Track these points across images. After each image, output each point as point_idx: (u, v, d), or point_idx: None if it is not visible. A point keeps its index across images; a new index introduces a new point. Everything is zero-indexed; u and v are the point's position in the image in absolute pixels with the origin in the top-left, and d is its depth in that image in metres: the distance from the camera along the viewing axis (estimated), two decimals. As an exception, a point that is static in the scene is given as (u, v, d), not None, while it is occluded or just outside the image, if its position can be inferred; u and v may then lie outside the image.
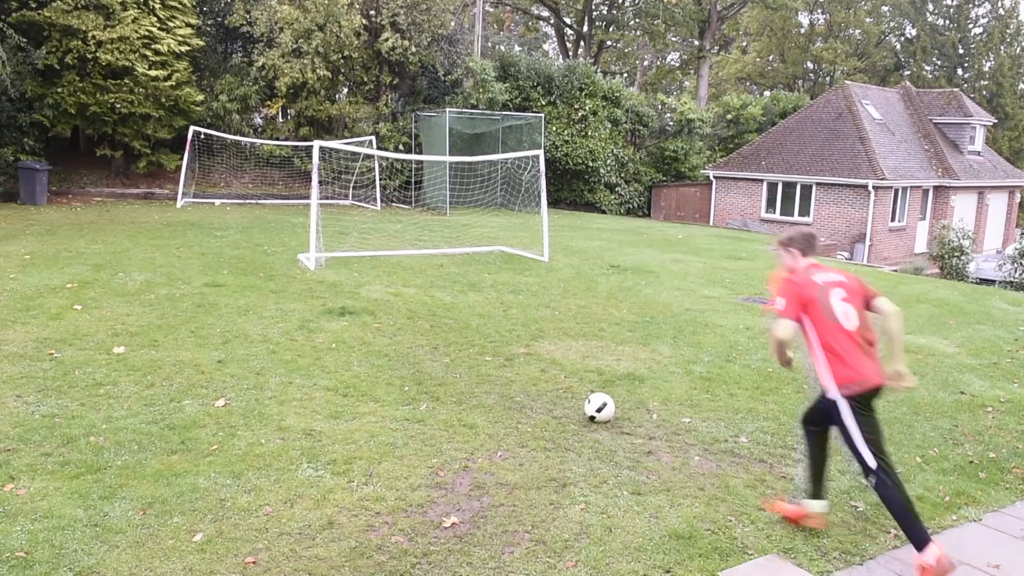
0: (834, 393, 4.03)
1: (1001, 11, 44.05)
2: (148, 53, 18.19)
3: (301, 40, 20.49)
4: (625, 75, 48.97)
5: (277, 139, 22.64)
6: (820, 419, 4.30)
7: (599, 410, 5.71)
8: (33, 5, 17.38)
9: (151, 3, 18.33)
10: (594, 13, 40.95)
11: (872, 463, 3.94)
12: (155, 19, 18.43)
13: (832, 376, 4.03)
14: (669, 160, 28.10)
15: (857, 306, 4.13)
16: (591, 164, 24.79)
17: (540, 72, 24.92)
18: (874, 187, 22.86)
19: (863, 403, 4.01)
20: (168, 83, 18.61)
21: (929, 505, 4.72)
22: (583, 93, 25.25)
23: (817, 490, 4.37)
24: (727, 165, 26.91)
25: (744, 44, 51.89)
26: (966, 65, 44.79)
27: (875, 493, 4.06)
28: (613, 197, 26.06)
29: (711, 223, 26.69)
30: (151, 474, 4.56)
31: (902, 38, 47.83)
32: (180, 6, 19.08)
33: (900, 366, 4.18)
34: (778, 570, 3.91)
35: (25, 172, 16.84)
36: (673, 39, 43.17)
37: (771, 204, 25.56)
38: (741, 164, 26.45)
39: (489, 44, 40.36)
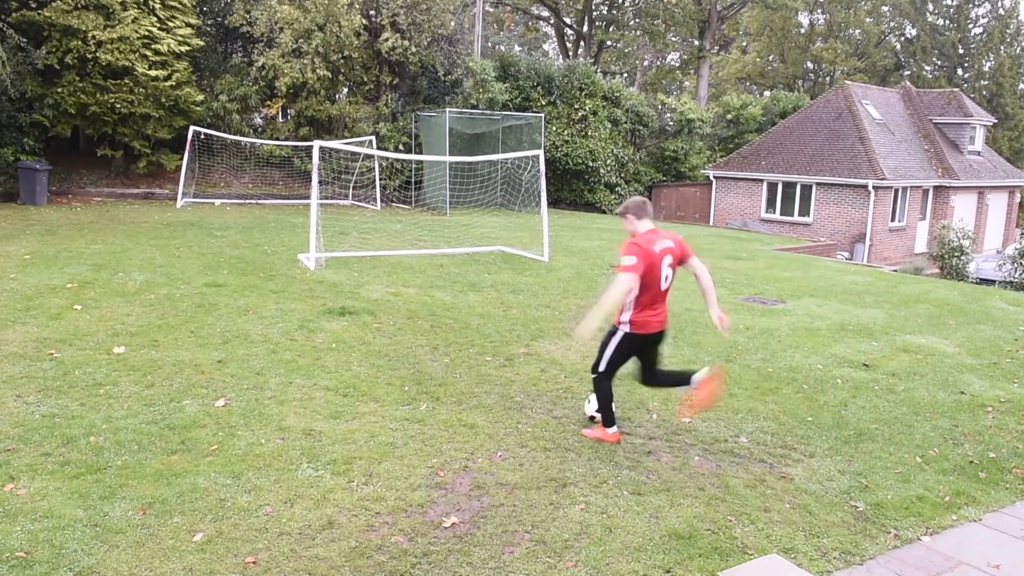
0: (624, 326, 5.17)
1: (1001, 11, 44.07)
2: (148, 53, 18.18)
3: (301, 40, 20.49)
4: (625, 75, 48.99)
5: (277, 139, 22.65)
6: (630, 354, 5.34)
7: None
8: (33, 5, 17.38)
9: (151, 3, 18.33)
10: (594, 13, 40.96)
11: (602, 368, 5.28)
12: (155, 19, 18.42)
13: (631, 318, 5.12)
14: (669, 160, 28.11)
15: (674, 268, 5.17)
16: (591, 164, 24.79)
17: (540, 72, 24.91)
18: (874, 187, 22.86)
19: (636, 342, 5.19)
20: (168, 83, 18.61)
21: (929, 505, 4.72)
22: (583, 93, 25.25)
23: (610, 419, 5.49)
24: (727, 165, 26.92)
25: (744, 44, 51.90)
26: (966, 65, 44.80)
27: (594, 384, 5.41)
28: (613, 197, 26.06)
29: (711, 223, 26.70)
30: (151, 474, 4.56)
31: (902, 38, 47.84)
32: (180, 6, 19.08)
33: (716, 312, 5.27)
34: (778, 570, 3.91)
35: (25, 172, 16.85)
36: (673, 39, 43.18)
37: (771, 204, 25.56)
38: (741, 164, 26.45)
39: (489, 44, 40.36)
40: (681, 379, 5.33)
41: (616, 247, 15.38)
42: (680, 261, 5.21)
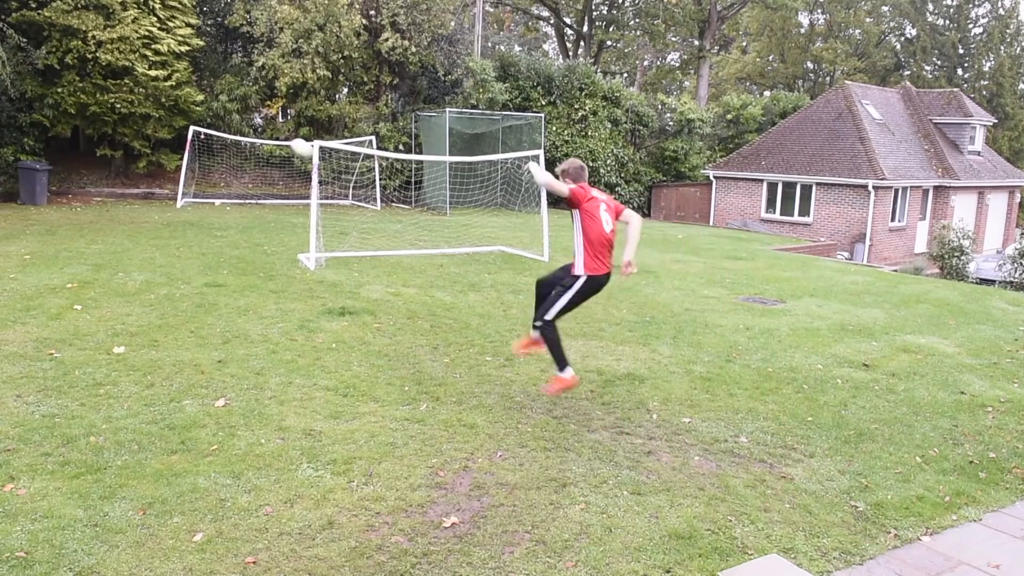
0: (580, 271, 5.63)
1: (1001, 11, 44.07)
2: (148, 53, 18.19)
3: (301, 40, 20.49)
4: (625, 75, 49.00)
5: (277, 139, 22.65)
6: (553, 283, 5.84)
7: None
8: (33, 5, 17.38)
9: (151, 3, 18.33)
10: (594, 13, 40.96)
11: (550, 318, 5.66)
12: (155, 19, 18.43)
13: (584, 262, 5.63)
14: (669, 160, 28.10)
15: (612, 217, 5.76)
16: (591, 164, 24.78)
17: (540, 72, 24.91)
18: (874, 187, 22.87)
19: (593, 284, 5.66)
20: (168, 83, 18.62)
21: (929, 505, 4.72)
22: (583, 93, 25.24)
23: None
24: (727, 165, 26.92)
25: (744, 44, 51.91)
26: (966, 65, 44.80)
27: (540, 332, 5.71)
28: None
29: (711, 223, 26.69)
30: (151, 474, 4.56)
31: (902, 38, 47.84)
32: (180, 6, 19.08)
33: (630, 256, 5.73)
34: (778, 570, 3.91)
35: (25, 172, 16.85)
36: (673, 39, 43.19)
37: (771, 204, 25.56)
38: (741, 164, 26.45)
39: (489, 44, 40.37)
40: (558, 357, 5.70)
41: (616, 248, 15.38)
42: (616, 215, 5.82)
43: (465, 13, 29.16)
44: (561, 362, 5.71)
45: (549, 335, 5.69)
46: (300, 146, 6.97)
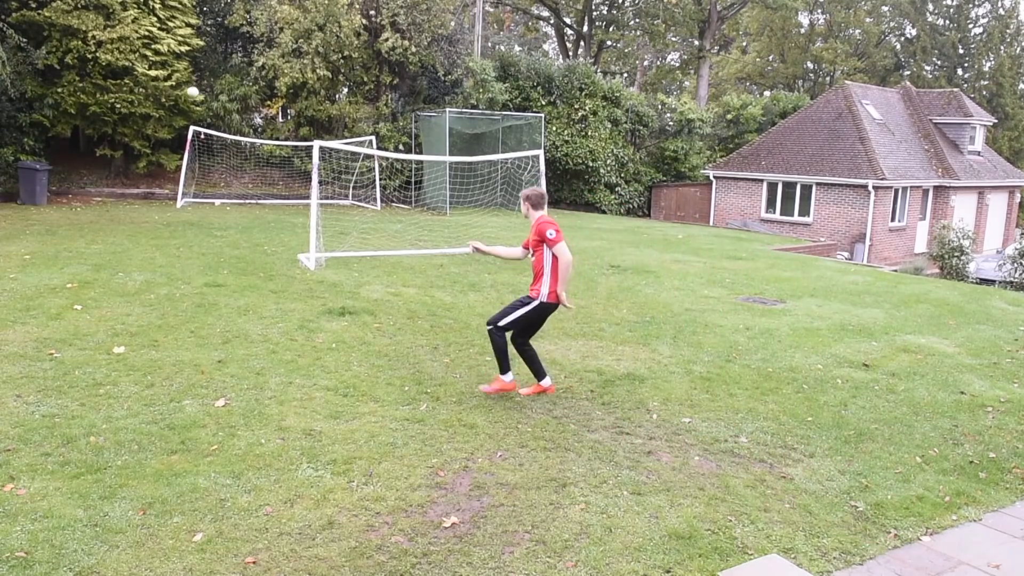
0: (542, 298, 5.88)
1: (1001, 11, 44.07)
2: (148, 53, 18.19)
3: (301, 40, 20.49)
4: (625, 75, 48.99)
5: (277, 139, 22.65)
6: (524, 328, 6.05)
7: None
8: (33, 5, 17.38)
9: (151, 3, 18.33)
10: (594, 13, 40.96)
11: (501, 325, 5.94)
12: (155, 19, 18.43)
13: (549, 290, 5.86)
14: (669, 160, 28.10)
15: None
16: (591, 164, 24.78)
17: (540, 72, 24.91)
18: (874, 187, 22.86)
19: (547, 310, 5.97)
20: (168, 83, 18.62)
21: (929, 505, 4.72)
22: (583, 93, 25.25)
23: (537, 370, 6.19)
24: (727, 165, 26.91)
25: (744, 44, 51.90)
26: (966, 65, 44.80)
27: (489, 336, 6.00)
28: (613, 197, 26.06)
29: (711, 223, 26.69)
30: (151, 474, 4.56)
31: (902, 38, 47.85)
32: (180, 6, 19.08)
33: (567, 301, 6.03)
34: (778, 570, 3.91)
35: (25, 172, 16.85)
36: (673, 39, 43.20)
37: (771, 204, 25.56)
38: (741, 164, 26.45)
39: (489, 44, 40.37)
40: (502, 362, 6.03)
41: (616, 246, 15.42)
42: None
43: (465, 13, 29.16)
44: (504, 367, 6.03)
45: (497, 340, 5.97)
46: (191, 90, 7.52)
